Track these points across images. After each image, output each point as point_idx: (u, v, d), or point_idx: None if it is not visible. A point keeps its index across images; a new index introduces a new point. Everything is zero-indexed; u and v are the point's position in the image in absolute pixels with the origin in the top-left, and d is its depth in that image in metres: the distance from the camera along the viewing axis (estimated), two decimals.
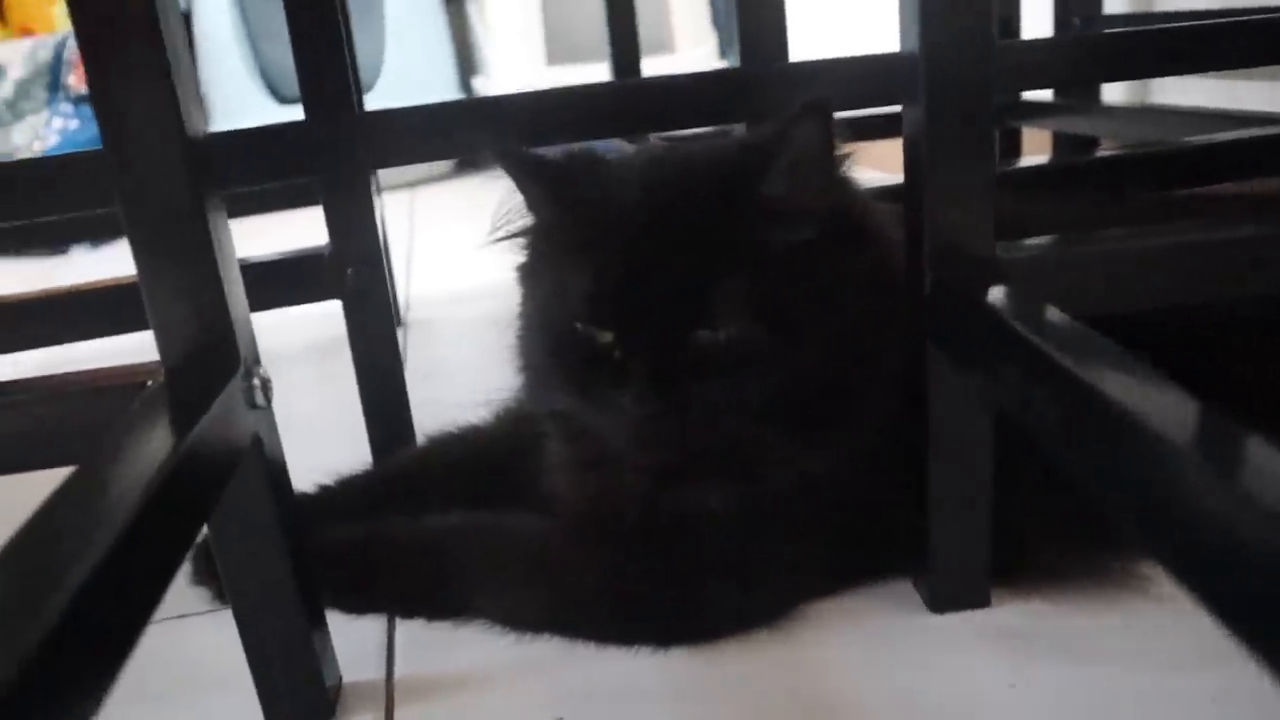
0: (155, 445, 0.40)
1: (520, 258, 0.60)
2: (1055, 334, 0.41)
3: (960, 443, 0.54)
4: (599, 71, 2.15)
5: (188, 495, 0.41)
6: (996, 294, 0.46)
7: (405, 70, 2.32)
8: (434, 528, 0.62)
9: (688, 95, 0.67)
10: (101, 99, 0.47)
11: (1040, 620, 0.57)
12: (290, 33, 0.64)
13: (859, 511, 0.58)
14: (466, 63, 2.54)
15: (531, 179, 0.56)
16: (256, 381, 0.49)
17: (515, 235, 0.59)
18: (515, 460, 0.69)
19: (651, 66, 2.10)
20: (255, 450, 0.49)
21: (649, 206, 0.52)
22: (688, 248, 0.50)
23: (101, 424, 0.48)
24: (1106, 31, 0.75)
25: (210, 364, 0.48)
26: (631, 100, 0.67)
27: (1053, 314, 0.43)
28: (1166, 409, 0.33)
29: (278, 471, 0.52)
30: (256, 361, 0.50)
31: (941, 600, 0.58)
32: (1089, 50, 0.72)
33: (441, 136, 0.63)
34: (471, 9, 2.53)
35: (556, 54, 2.34)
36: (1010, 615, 0.57)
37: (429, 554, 0.61)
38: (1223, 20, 0.78)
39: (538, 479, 0.65)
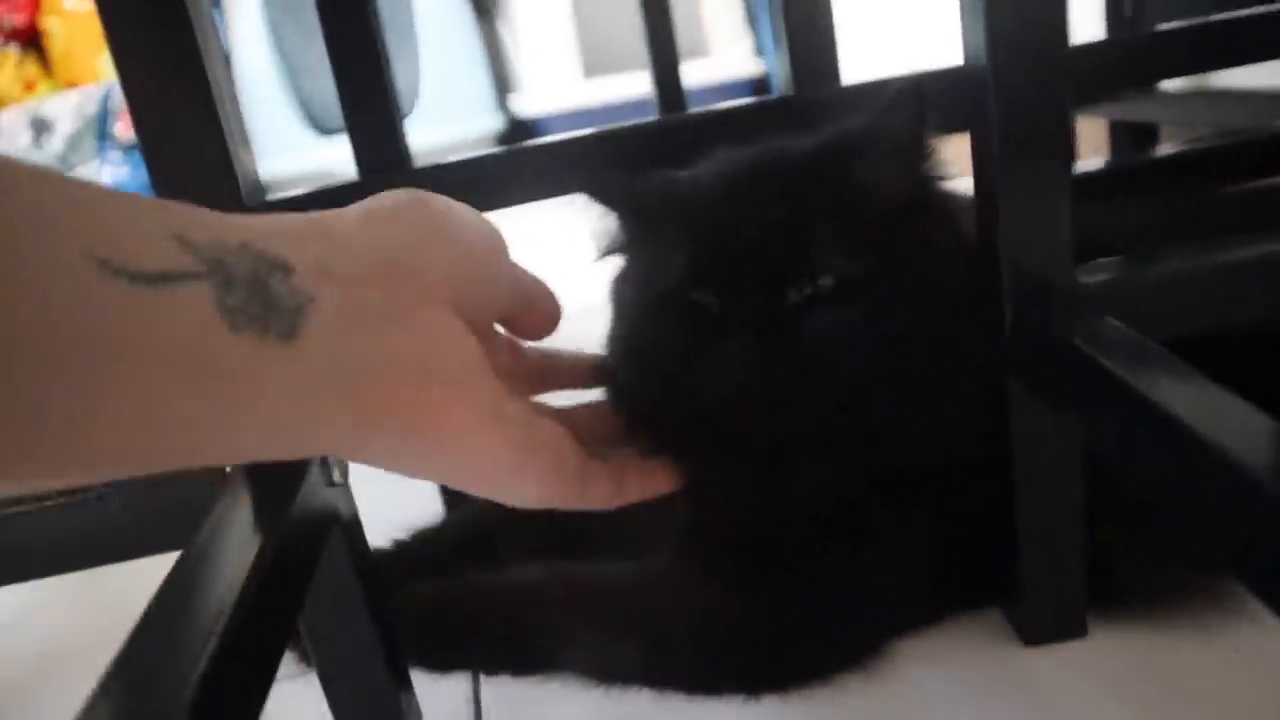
0: (246, 540, 0.40)
1: (614, 271, 0.58)
2: (1156, 376, 0.39)
3: (1048, 476, 0.53)
4: (638, 80, 2.14)
5: (285, 585, 0.41)
6: (1085, 330, 0.44)
7: (442, 93, 2.33)
8: (516, 580, 0.62)
9: (741, 126, 0.66)
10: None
11: (1144, 650, 0.54)
12: (342, 103, 0.64)
13: (950, 535, 0.56)
14: (503, 81, 2.55)
15: (619, 196, 0.55)
16: (332, 459, 0.49)
17: (613, 250, 0.58)
18: None
19: (688, 71, 2.09)
20: (337, 527, 0.49)
21: (741, 177, 0.52)
22: (782, 205, 0.50)
23: (183, 512, 0.49)
24: (1173, 26, 0.72)
25: None
26: (683, 135, 0.66)
27: (1149, 350, 0.41)
28: None
29: (359, 544, 0.52)
30: None
31: (1035, 632, 0.56)
32: (1157, 47, 0.70)
33: (498, 185, 0.63)
34: (503, 26, 2.53)
35: (593, 65, 2.34)
36: (1110, 646, 0.55)
37: (512, 608, 0.61)
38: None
39: (619, 520, 0.64)
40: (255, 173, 0.54)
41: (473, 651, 0.61)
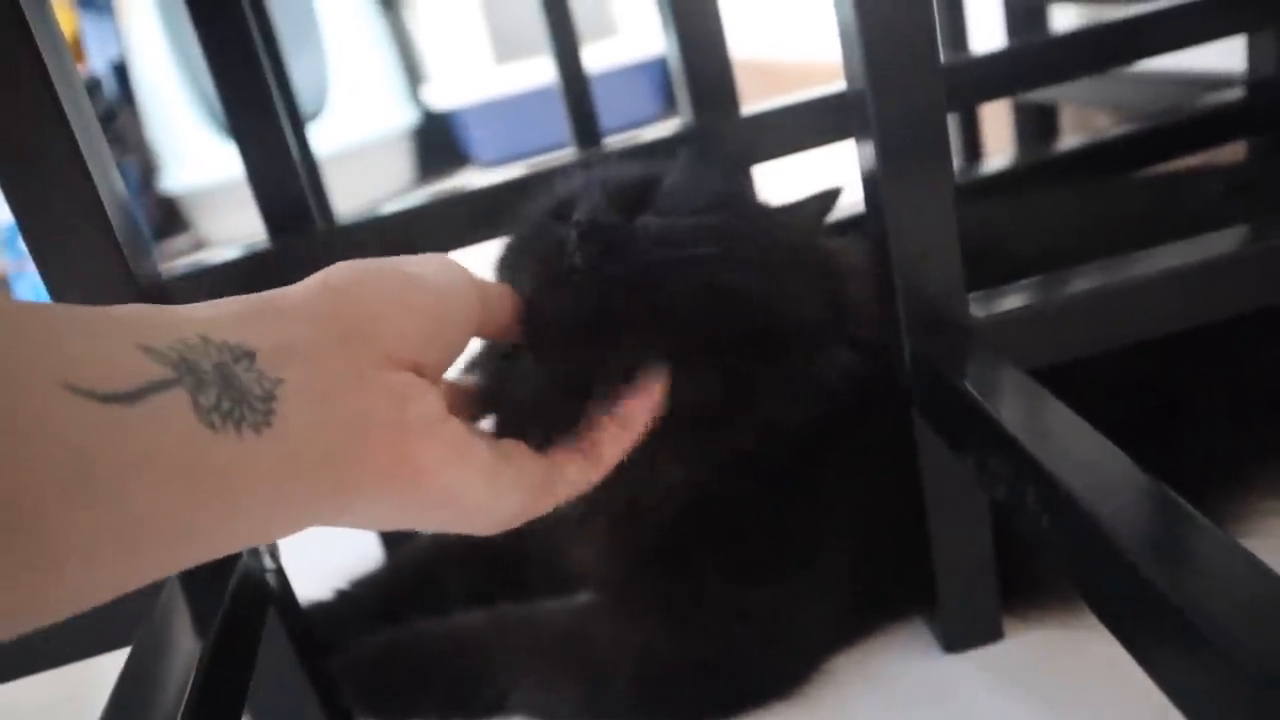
0: (188, 638, 0.41)
1: None
2: (1046, 431, 0.41)
3: (956, 500, 0.55)
4: (551, 64, 2.09)
5: (230, 678, 0.43)
6: (977, 375, 0.46)
7: (353, 90, 2.29)
8: (459, 627, 0.63)
9: (649, 156, 0.67)
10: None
11: (1056, 649, 0.58)
12: (245, 166, 0.64)
13: (873, 552, 0.59)
14: (414, 72, 2.50)
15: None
16: (263, 547, 0.50)
17: None
18: (529, 537, 0.69)
19: (596, 52, 2.07)
20: (273, 609, 0.50)
21: None
22: None
23: (120, 613, 0.49)
24: (1057, 36, 0.74)
25: None
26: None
27: (1041, 400, 0.43)
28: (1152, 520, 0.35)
29: (296, 621, 0.53)
30: None
31: (955, 639, 0.59)
32: (1036, 56, 0.72)
33: (415, 242, 0.63)
34: (409, 16, 2.48)
35: (504, 51, 2.31)
36: (1026, 647, 0.59)
37: (458, 655, 0.62)
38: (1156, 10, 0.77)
39: (555, 553, 0.66)
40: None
41: (423, 702, 0.62)
